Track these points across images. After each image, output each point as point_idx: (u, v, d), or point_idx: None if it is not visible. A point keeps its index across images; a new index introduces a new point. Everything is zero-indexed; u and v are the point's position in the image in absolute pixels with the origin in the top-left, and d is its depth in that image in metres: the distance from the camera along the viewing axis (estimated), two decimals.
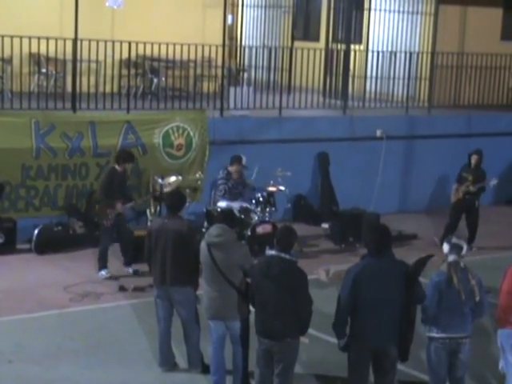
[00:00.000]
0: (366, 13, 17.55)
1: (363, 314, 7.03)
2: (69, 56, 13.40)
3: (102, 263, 11.51)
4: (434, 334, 7.36)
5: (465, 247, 7.46)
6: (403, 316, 7.12)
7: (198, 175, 13.54)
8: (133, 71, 14.74)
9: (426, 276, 7.46)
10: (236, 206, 12.45)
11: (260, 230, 12.44)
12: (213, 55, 14.60)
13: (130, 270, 11.65)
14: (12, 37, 12.59)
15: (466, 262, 7.45)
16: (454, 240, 7.48)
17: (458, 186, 13.53)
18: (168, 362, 8.62)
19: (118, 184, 11.44)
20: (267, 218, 12.80)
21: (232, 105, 14.73)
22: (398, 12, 17.66)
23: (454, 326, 7.31)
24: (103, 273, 11.47)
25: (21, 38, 12.68)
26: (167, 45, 13.79)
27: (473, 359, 7.72)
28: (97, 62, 13.73)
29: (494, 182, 13.54)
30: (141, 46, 13.74)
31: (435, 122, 16.49)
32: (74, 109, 13.30)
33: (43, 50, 13.22)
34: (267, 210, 12.88)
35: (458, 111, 17.10)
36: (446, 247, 7.44)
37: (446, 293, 7.25)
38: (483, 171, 13.61)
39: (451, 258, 7.35)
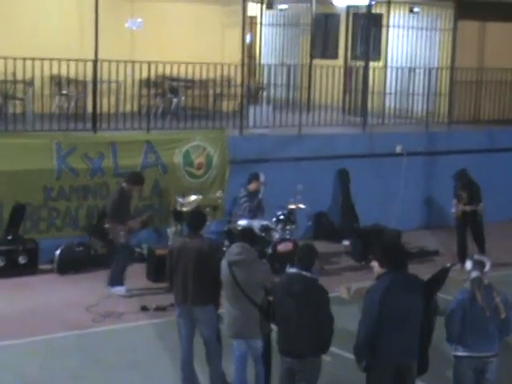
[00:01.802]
0: (384, 30, 17.59)
1: (387, 334, 6.94)
2: (89, 77, 13.51)
3: (119, 280, 11.53)
4: (460, 353, 7.28)
5: (488, 264, 7.38)
6: (424, 329, 7.08)
7: (218, 194, 13.56)
8: (152, 91, 14.83)
9: (447, 292, 7.42)
10: (256, 224, 12.45)
11: (281, 247, 12.43)
12: (232, 74, 14.67)
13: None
14: (33, 59, 12.72)
15: (488, 278, 7.39)
16: (476, 256, 7.43)
17: (456, 203, 13.48)
18: (190, 382, 8.60)
19: (126, 203, 11.51)
20: (288, 236, 12.80)
21: (251, 123, 14.76)
22: (417, 28, 17.67)
23: (480, 344, 7.22)
24: (121, 289, 11.49)
25: (42, 60, 12.80)
26: (186, 64, 13.87)
27: (500, 378, 7.60)
28: (117, 82, 13.83)
29: (480, 206, 13.40)
30: (160, 66, 13.85)
31: (455, 138, 16.44)
32: (94, 129, 13.39)
33: (64, 72, 13.34)
34: (288, 227, 12.88)
35: (478, 126, 17.03)
36: (468, 264, 7.37)
37: (470, 310, 7.17)
38: (476, 187, 13.42)
39: (474, 274, 7.27)
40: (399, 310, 6.92)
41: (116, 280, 11.54)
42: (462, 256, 12.99)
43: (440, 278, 7.39)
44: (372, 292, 7.03)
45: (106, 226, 11.64)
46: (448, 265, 7.70)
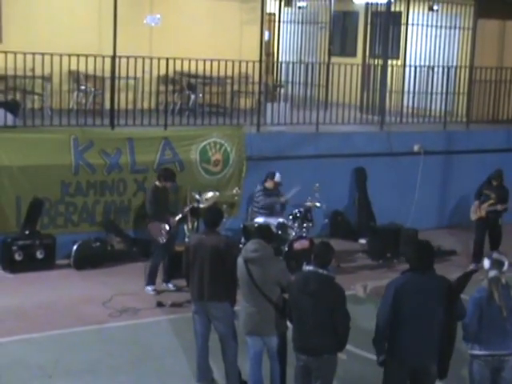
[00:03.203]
0: (403, 28, 17.52)
1: (404, 332, 6.96)
2: (107, 73, 13.54)
3: (152, 279, 11.58)
4: (477, 352, 7.26)
5: (506, 263, 7.35)
6: (444, 333, 7.05)
7: (234, 191, 13.56)
8: (170, 88, 14.84)
9: (466, 292, 7.38)
10: (273, 221, 12.45)
11: (297, 245, 12.42)
12: (250, 71, 14.65)
13: (171, 286, 11.69)
14: (52, 54, 12.77)
15: (506, 278, 7.35)
16: (495, 255, 7.38)
17: (479, 204, 13.43)
18: (206, 378, 8.61)
19: (162, 200, 11.52)
20: (304, 234, 12.78)
21: (269, 120, 14.76)
22: (436, 27, 17.59)
23: (497, 343, 7.20)
24: (149, 288, 11.54)
25: (61, 55, 12.84)
26: (204, 61, 13.88)
27: None
28: (135, 78, 13.85)
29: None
30: (178, 63, 13.84)
31: (473, 137, 16.36)
32: (112, 125, 13.42)
33: (82, 68, 13.38)
34: (304, 225, 12.86)
35: (497, 126, 16.95)
36: (486, 263, 7.33)
37: (487, 309, 7.15)
38: (506, 189, 13.46)
39: (492, 273, 7.24)
40: (415, 308, 6.91)
41: (148, 280, 11.59)
42: (478, 256, 12.96)
43: (461, 285, 7.37)
44: (389, 286, 7.08)
45: (148, 225, 11.62)
46: (471, 267, 7.65)
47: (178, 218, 11.67)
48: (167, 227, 11.41)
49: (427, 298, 6.94)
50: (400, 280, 7.06)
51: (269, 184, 13.05)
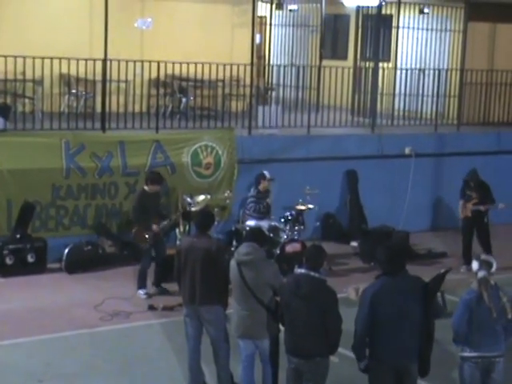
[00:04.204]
0: (394, 31, 17.55)
1: (383, 334, 6.98)
2: (98, 76, 13.53)
3: (142, 283, 11.57)
4: (467, 354, 7.26)
5: (495, 264, 7.36)
6: (422, 332, 7.07)
7: (226, 194, 13.54)
8: (161, 91, 14.83)
9: (456, 295, 7.39)
10: (265, 224, 12.45)
11: (289, 248, 12.42)
12: (241, 74, 14.66)
13: (157, 290, 11.68)
14: (43, 58, 12.74)
15: (495, 279, 7.37)
16: (483, 257, 7.42)
17: (464, 203, 13.46)
18: (198, 382, 8.58)
19: (151, 204, 11.47)
20: (296, 237, 12.79)
21: (260, 123, 14.76)
22: (427, 30, 17.64)
23: (487, 344, 7.21)
24: (141, 292, 11.53)
25: (51, 59, 12.82)
26: (196, 64, 13.87)
27: (507, 379, 7.58)
28: (126, 81, 13.83)
29: (501, 206, 13.38)
30: (169, 66, 13.85)
31: (464, 140, 16.40)
32: (103, 129, 13.41)
33: (73, 71, 13.36)
34: (296, 228, 12.87)
35: (488, 128, 16.99)
36: (475, 264, 7.36)
37: (477, 310, 7.16)
38: (486, 186, 13.45)
39: (481, 274, 7.25)
40: (392, 310, 6.94)
41: (139, 283, 11.59)
42: (468, 257, 12.99)
43: (436, 285, 7.39)
44: (365, 292, 7.12)
45: (133, 230, 11.56)
46: (442, 271, 7.69)
47: (162, 225, 11.60)
48: (150, 233, 11.34)
49: (404, 299, 6.97)
50: (376, 285, 7.06)
51: (263, 185, 13.02)
